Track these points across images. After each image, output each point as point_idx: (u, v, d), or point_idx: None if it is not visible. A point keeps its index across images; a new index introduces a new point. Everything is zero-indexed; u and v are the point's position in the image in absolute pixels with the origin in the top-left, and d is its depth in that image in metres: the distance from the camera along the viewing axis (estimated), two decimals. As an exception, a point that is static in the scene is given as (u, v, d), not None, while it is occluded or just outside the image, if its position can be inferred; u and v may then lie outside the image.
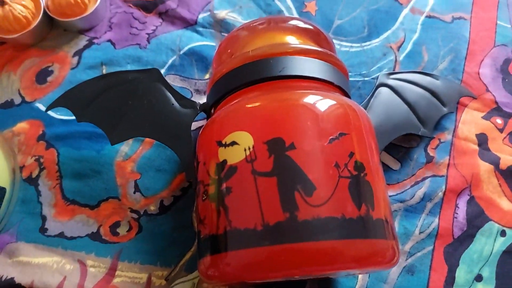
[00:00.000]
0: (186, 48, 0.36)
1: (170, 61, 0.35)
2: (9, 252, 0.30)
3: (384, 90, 0.30)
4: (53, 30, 0.37)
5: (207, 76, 0.35)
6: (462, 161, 0.33)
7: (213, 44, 0.36)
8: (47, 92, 0.34)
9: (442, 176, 0.32)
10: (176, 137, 0.28)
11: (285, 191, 0.20)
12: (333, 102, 0.23)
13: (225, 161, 0.22)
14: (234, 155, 0.22)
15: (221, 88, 0.27)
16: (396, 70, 0.35)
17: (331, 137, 0.22)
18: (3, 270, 0.29)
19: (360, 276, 0.30)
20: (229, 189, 0.22)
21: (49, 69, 0.35)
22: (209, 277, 0.23)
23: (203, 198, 0.23)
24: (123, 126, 0.28)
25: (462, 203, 0.31)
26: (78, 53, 0.36)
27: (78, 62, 0.35)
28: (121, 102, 0.29)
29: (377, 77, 0.35)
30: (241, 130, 0.22)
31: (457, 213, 0.31)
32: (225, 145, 0.23)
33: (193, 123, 0.29)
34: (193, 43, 0.36)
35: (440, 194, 0.32)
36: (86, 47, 0.36)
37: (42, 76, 0.35)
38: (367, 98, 0.30)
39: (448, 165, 0.33)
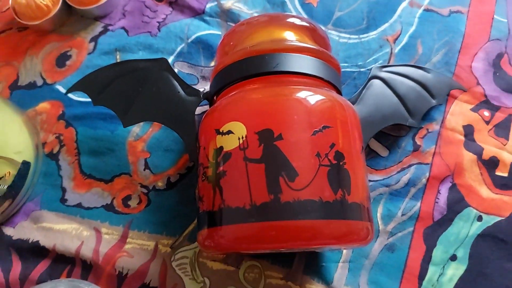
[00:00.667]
0: (193, 37, 0.38)
1: (178, 49, 0.38)
2: (34, 219, 0.34)
3: (376, 82, 0.32)
4: (71, 16, 0.39)
5: (212, 63, 0.38)
6: (447, 150, 0.35)
7: (219, 33, 0.39)
8: (66, 75, 0.37)
9: (427, 164, 0.35)
10: (181, 122, 0.31)
11: (271, 176, 0.23)
12: (322, 97, 0.26)
13: (221, 148, 0.25)
14: (229, 143, 0.25)
15: (222, 79, 0.30)
16: (391, 63, 0.37)
17: (315, 129, 0.24)
18: (30, 234, 0.34)
19: (344, 251, 0.33)
20: (224, 172, 0.25)
21: (68, 53, 0.38)
22: (206, 247, 0.26)
23: (202, 179, 0.27)
24: (134, 110, 0.31)
25: (444, 189, 0.34)
26: (94, 39, 0.38)
27: (94, 48, 0.38)
28: (133, 88, 0.32)
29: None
30: (236, 120, 0.25)
31: (438, 199, 0.34)
32: (222, 133, 0.26)
33: (197, 108, 0.32)
34: (200, 32, 0.38)
35: (424, 180, 0.34)
36: (101, 33, 0.39)
37: (62, 60, 0.38)
38: (359, 90, 0.32)
39: (434, 153, 0.35)
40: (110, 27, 0.39)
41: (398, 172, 0.35)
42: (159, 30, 0.38)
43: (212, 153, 0.26)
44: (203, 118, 0.29)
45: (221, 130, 0.26)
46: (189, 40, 0.38)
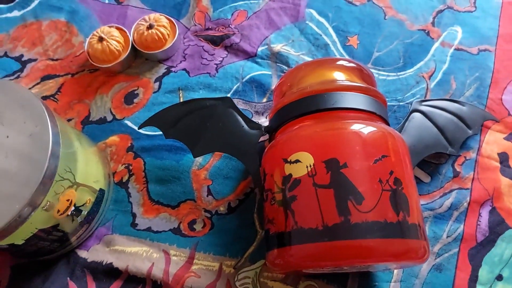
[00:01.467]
0: (247, 77, 0.43)
1: (234, 87, 0.42)
2: (106, 242, 0.37)
3: (417, 115, 0.36)
4: (137, 59, 0.44)
5: (264, 100, 0.42)
6: (485, 176, 0.38)
7: (270, 73, 0.43)
8: (134, 112, 0.42)
9: (467, 189, 0.37)
10: (245, 153, 0.35)
11: (340, 200, 0.26)
12: (375, 129, 0.29)
13: (290, 175, 0.29)
14: (298, 170, 0.28)
15: (283, 116, 0.33)
16: (427, 97, 0.41)
17: (375, 158, 0.28)
18: (103, 256, 0.37)
19: (395, 271, 0.35)
20: (295, 197, 0.28)
21: (135, 92, 0.43)
22: (275, 265, 0.29)
23: (272, 203, 0.30)
24: (203, 142, 0.35)
25: (485, 212, 0.37)
26: (159, 79, 0.43)
27: (159, 87, 0.43)
28: (201, 123, 0.36)
29: (411, 102, 0.40)
30: (303, 151, 0.29)
31: (480, 221, 0.36)
32: (290, 162, 0.29)
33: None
34: (253, 73, 0.43)
35: (465, 204, 0.37)
36: (165, 74, 0.43)
37: (130, 98, 0.42)
38: (402, 122, 0.36)
39: (473, 179, 0.38)
40: (172, 69, 0.43)
41: (441, 196, 0.37)
42: (217, 71, 0.43)
43: (281, 180, 0.29)
44: (268, 149, 0.32)
45: (289, 159, 0.29)
46: (244, 80, 0.42)
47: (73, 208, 0.33)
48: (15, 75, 0.44)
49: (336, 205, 0.26)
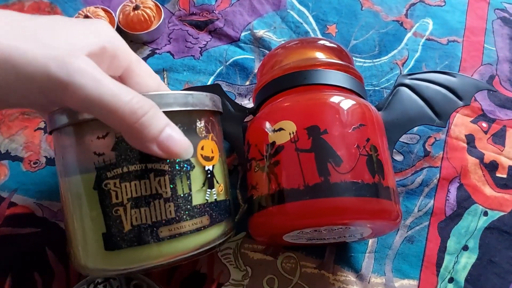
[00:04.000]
0: (231, 60, 0.44)
1: (218, 70, 0.44)
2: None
3: (402, 89, 0.37)
4: (122, 41, 0.45)
5: (247, 82, 0.43)
6: (453, 155, 0.40)
7: (253, 57, 0.44)
8: (119, 91, 0.42)
9: (437, 167, 0.40)
10: (230, 132, 0.36)
11: (320, 163, 0.28)
12: (354, 102, 0.31)
13: (274, 142, 0.30)
14: (281, 138, 0.30)
15: (266, 92, 0.35)
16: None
17: (353, 126, 0.30)
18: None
19: (369, 242, 0.37)
20: (278, 162, 0.29)
21: (120, 72, 0.43)
22: (258, 228, 0.30)
23: (255, 170, 0.31)
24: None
25: (453, 188, 0.39)
26: (143, 60, 0.44)
27: (144, 68, 0.43)
28: None
29: (386, 87, 0.43)
30: (287, 119, 0.30)
31: (448, 197, 0.39)
32: (274, 131, 0.31)
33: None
34: (237, 56, 0.44)
35: (435, 181, 0.39)
36: (149, 55, 0.44)
37: (115, 78, 0.43)
38: (386, 97, 0.37)
39: (442, 158, 0.40)
40: (157, 51, 0.44)
41: (413, 174, 0.40)
42: (201, 54, 0.44)
43: (265, 148, 0.31)
44: (252, 122, 0.34)
45: (272, 128, 0.31)
46: (227, 63, 0.44)
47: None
48: None
49: (317, 167, 0.28)
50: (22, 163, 0.39)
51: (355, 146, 0.29)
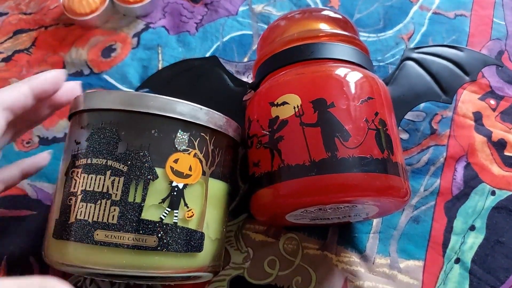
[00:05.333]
0: (228, 37, 0.42)
1: (214, 46, 0.42)
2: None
3: (408, 63, 0.35)
4: (114, 15, 0.43)
5: (245, 59, 0.42)
6: (460, 133, 0.39)
7: (251, 33, 0.42)
8: (112, 65, 0.40)
9: (444, 145, 0.39)
10: (231, 109, 0.34)
11: (327, 137, 0.26)
12: (361, 74, 0.30)
13: (277, 117, 0.29)
14: (285, 112, 0.28)
15: (267, 67, 0.33)
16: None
17: (361, 99, 0.28)
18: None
19: (374, 222, 0.36)
20: (281, 137, 0.28)
21: (113, 47, 0.41)
22: (261, 206, 0.29)
23: (257, 147, 0.30)
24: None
25: (460, 167, 0.38)
26: (137, 35, 0.42)
27: (138, 43, 0.41)
28: (190, 84, 0.36)
29: (391, 63, 0.41)
30: (290, 93, 0.29)
31: (455, 176, 0.38)
32: (277, 105, 0.29)
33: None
34: (234, 33, 0.42)
35: (442, 159, 0.38)
36: (143, 30, 0.42)
37: (107, 52, 0.41)
38: (392, 71, 0.35)
39: (449, 136, 0.39)
40: (151, 25, 0.42)
41: (418, 153, 0.38)
42: (196, 30, 0.42)
43: (267, 123, 0.29)
44: (253, 97, 0.32)
45: (275, 102, 0.29)
46: (224, 39, 0.42)
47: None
48: (-17, 28, 0.42)
49: (323, 142, 0.26)
50: (14, 143, 0.37)
51: (364, 120, 0.27)
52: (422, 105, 0.39)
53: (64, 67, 0.40)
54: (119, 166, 0.25)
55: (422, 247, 0.35)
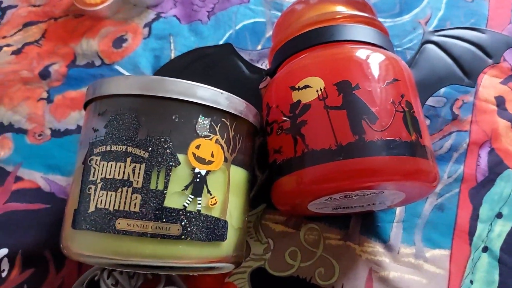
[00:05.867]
0: (240, 25, 0.41)
1: (227, 35, 0.41)
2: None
3: (429, 46, 0.35)
4: (124, 5, 0.42)
5: (259, 47, 0.41)
6: (482, 118, 0.38)
7: (264, 20, 0.41)
8: (124, 56, 0.39)
9: (466, 131, 0.37)
10: (247, 97, 0.33)
11: (353, 120, 0.25)
12: (384, 56, 0.29)
13: (299, 101, 0.28)
14: (307, 96, 0.27)
15: (285, 52, 0.32)
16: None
17: (387, 80, 0.27)
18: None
19: (397, 211, 0.35)
20: (304, 122, 0.27)
21: (124, 37, 0.40)
22: (284, 194, 0.28)
23: (278, 133, 0.29)
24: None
25: (484, 153, 0.37)
26: (148, 24, 0.41)
27: (149, 33, 0.40)
28: (204, 72, 0.35)
29: (408, 48, 0.40)
30: (313, 76, 0.28)
31: (479, 162, 0.36)
32: (298, 89, 0.28)
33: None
34: (247, 20, 0.41)
35: (465, 145, 0.37)
36: (154, 20, 0.41)
37: (118, 42, 0.40)
38: (413, 55, 0.35)
39: (471, 122, 0.38)
40: (162, 15, 0.41)
41: (440, 139, 0.37)
42: (208, 19, 0.41)
43: (288, 108, 0.28)
44: (271, 82, 0.31)
45: (297, 86, 0.28)
46: (237, 27, 0.41)
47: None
48: (-6, 22, 0.41)
49: (350, 124, 0.25)
50: (26, 136, 0.36)
51: (390, 102, 0.26)
52: (442, 90, 0.38)
53: (75, 58, 0.39)
54: (140, 153, 0.24)
55: (448, 235, 0.34)
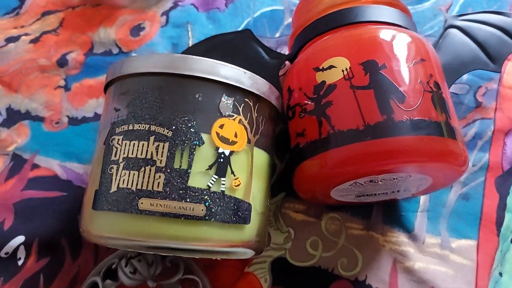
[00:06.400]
0: (258, 12, 0.41)
1: (245, 22, 0.40)
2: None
3: (452, 31, 0.34)
4: (141, -6, 0.42)
5: (277, 34, 0.40)
6: (508, 106, 0.37)
7: (282, 8, 0.41)
8: (141, 44, 0.39)
9: (490, 118, 0.36)
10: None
11: (381, 100, 0.25)
12: (410, 37, 0.28)
13: (323, 82, 0.27)
14: (332, 76, 0.27)
15: (306, 35, 0.32)
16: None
17: (414, 60, 0.26)
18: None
19: (421, 201, 0.34)
20: (330, 102, 0.26)
21: (141, 25, 0.40)
22: (308, 178, 0.27)
23: (301, 116, 0.28)
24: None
25: (510, 141, 0.36)
26: (166, 13, 0.41)
27: (167, 21, 0.40)
28: (223, 58, 0.33)
29: (430, 35, 0.39)
30: (337, 56, 0.27)
31: (505, 150, 0.35)
32: (323, 69, 0.27)
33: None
34: (265, 8, 0.41)
35: (489, 133, 0.36)
36: (172, 8, 0.41)
37: (136, 31, 0.40)
38: (436, 40, 0.34)
39: (495, 109, 0.37)
40: (180, 3, 0.41)
41: (464, 126, 0.36)
42: (226, 7, 0.41)
43: (312, 89, 0.27)
44: (293, 65, 0.31)
45: (321, 67, 0.27)
46: (255, 15, 0.40)
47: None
48: (14, 12, 0.41)
49: (378, 104, 0.25)
50: (43, 123, 0.36)
51: (419, 81, 0.26)
52: (465, 77, 0.37)
53: (92, 47, 0.39)
54: (163, 131, 0.23)
55: (474, 225, 0.33)
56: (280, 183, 0.34)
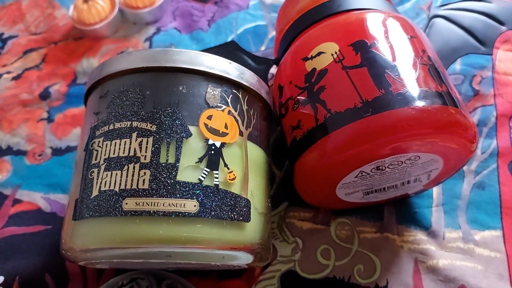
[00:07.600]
0: (241, 29, 0.41)
1: (229, 39, 0.40)
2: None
3: (437, 20, 0.34)
4: (123, 24, 0.42)
5: (263, 48, 0.40)
6: (506, 91, 0.36)
7: (265, 23, 0.41)
8: (126, 71, 0.38)
9: (491, 104, 0.35)
10: None
11: (376, 75, 0.23)
12: (396, 19, 0.27)
13: (314, 69, 0.26)
14: (322, 62, 0.25)
15: (289, 35, 0.31)
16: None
17: (404, 37, 0.25)
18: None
19: (434, 195, 0.32)
20: (323, 87, 0.25)
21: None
22: (309, 169, 0.25)
23: (294, 108, 0.26)
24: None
25: (515, 125, 0.34)
26: (149, 38, 0.40)
27: (150, 46, 0.40)
28: None
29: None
30: (325, 42, 0.26)
31: (512, 134, 0.34)
32: (312, 58, 0.26)
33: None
34: (247, 25, 0.41)
35: (493, 119, 0.34)
36: (155, 33, 0.41)
37: (119, 59, 0.39)
38: (422, 30, 0.34)
39: (494, 95, 0.36)
40: (162, 28, 0.41)
41: (466, 116, 0.35)
42: (209, 26, 0.41)
43: (303, 79, 0.26)
44: (280, 64, 0.30)
45: (309, 56, 0.26)
46: (238, 32, 0.40)
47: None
48: (-5, 53, 0.41)
49: (373, 80, 0.23)
50: (25, 157, 0.34)
51: (412, 55, 0.24)
52: (457, 67, 0.36)
53: (75, 77, 0.38)
54: (147, 126, 0.21)
55: (495, 214, 0.31)
56: (281, 193, 0.32)
